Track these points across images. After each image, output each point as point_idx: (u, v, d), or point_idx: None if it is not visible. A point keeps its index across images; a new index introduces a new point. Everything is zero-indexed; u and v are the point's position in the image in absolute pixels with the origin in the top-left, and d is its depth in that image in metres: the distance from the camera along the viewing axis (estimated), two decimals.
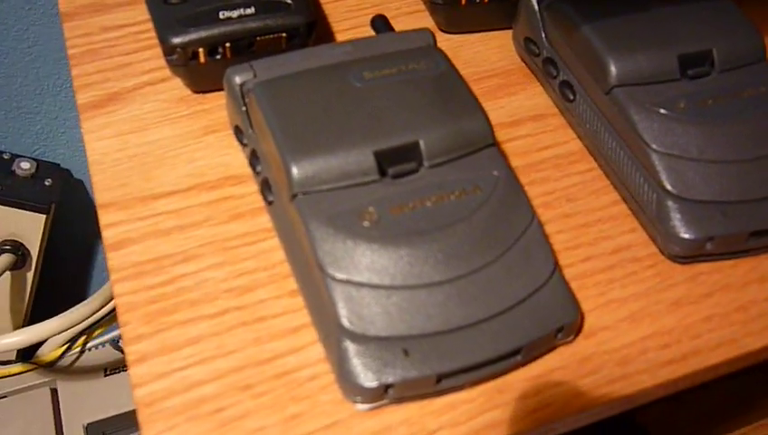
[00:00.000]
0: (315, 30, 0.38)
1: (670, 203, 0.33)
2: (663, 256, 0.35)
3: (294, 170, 0.30)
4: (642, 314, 0.33)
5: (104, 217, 0.34)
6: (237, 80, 0.34)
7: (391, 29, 0.41)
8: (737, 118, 0.35)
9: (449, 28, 0.43)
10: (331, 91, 0.33)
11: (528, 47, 0.41)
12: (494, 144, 0.33)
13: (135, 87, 0.39)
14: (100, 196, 0.35)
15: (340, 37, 0.43)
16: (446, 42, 0.43)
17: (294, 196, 0.31)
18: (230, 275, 0.33)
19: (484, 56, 0.42)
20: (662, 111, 0.35)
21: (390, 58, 0.34)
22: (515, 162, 0.37)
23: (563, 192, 0.37)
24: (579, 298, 0.33)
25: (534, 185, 0.37)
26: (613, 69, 0.36)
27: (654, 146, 0.34)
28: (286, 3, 0.38)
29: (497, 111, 0.40)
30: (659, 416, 0.62)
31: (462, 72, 0.39)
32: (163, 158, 0.37)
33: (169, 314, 0.32)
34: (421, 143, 0.32)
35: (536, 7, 0.39)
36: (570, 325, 0.30)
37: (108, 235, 0.34)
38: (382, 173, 0.31)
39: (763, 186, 0.34)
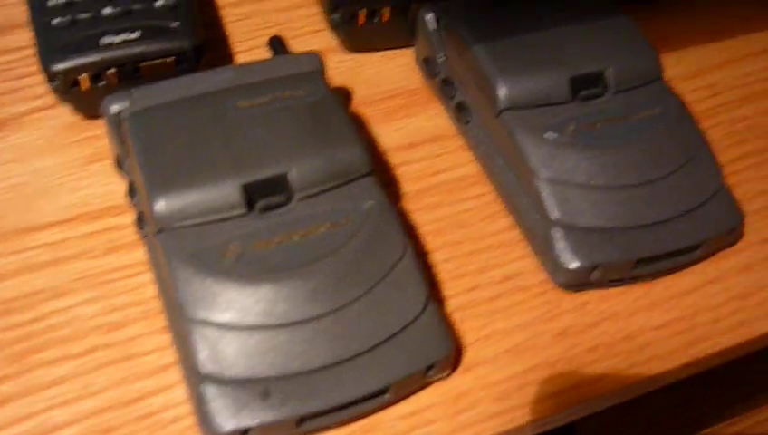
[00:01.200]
0: (204, 53, 0.37)
1: (555, 231, 0.33)
2: (552, 284, 0.33)
3: (156, 205, 0.29)
4: (525, 346, 0.32)
5: None
6: (113, 109, 0.33)
7: (285, 51, 0.39)
8: (627, 141, 0.34)
9: (352, 47, 0.42)
10: (204, 122, 0.32)
11: (427, 67, 0.40)
12: (371, 173, 0.32)
13: (25, 113, 0.38)
14: None
15: (239, 58, 0.42)
16: (348, 61, 0.42)
17: (159, 231, 0.30)
18: (102, 311, 0.32)
19: (386, 75, 0.41)
20: (550, 135, 0.34)
21: (269, 85, 0.33)
22: (408, 187, 0.36)
23: (455, 218, 0.36)
24: (460, 331, 0.32)
25: (426, 211, 0.36)
26: (502, 92, 0.35)
27: (540, 172, 0.33)
28: (173, 26, 0.36)
29: (394, 133, 0.39)
30: (601, 425, 0.61)
31: (362, 93, 0.38)
32: (46, 187, 0.36)
33: (36, 352, 0.31)
34: (290, 175, 0.31)
35: (432, 27, 0.38)
36: (442, 361, 0.30)
37: None
38: (250, 207, 0.30)
39: (650, 211, 0.33)
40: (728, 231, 0.34)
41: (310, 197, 0.31)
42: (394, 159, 0.38)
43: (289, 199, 0.31)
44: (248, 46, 0.42)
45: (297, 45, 0.42)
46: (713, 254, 0.35)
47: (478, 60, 0.35)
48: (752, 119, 0.41)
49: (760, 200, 0.38)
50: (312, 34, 0.43)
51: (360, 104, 0.40)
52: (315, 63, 0.35)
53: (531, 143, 0.34)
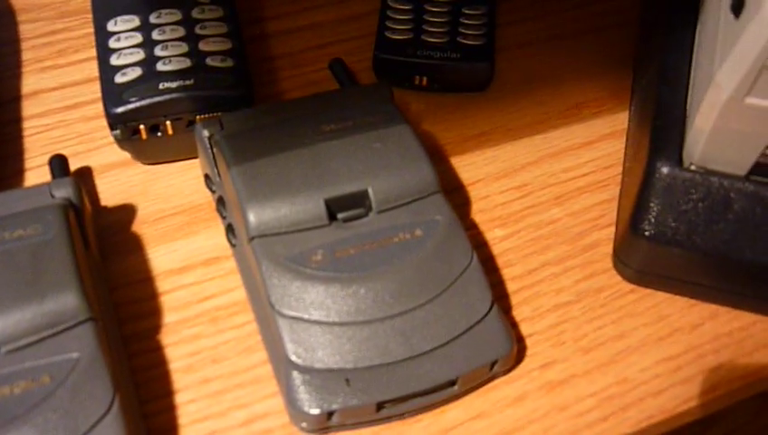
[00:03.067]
0: None
1: (292, 372, 0.31)
2: (295, 426, 0.31)
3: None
4: None
5: None
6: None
7: (66, 172, 0.38)
8: (379, 269, 0.32)
9: (144, 160, 0.40)
10: None
11: (207, 183, 0.38)
12: (92, 319, 0.30)
13: None
14: None
15: (31, 175, 0.40)
16: (142, 174, 0.40)
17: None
18: None
19: (178, 189, 0.40)
20: (293, 266, 0.32)
21: (3, 222, 0.32)
22: (169, 317, 0.35)
23: (211, 352, 0.34)
24: None
25: (182, 344, 0.34)
26: (251, 218, 0.33)
27: (278, 307, 0.31)
28: None
29: (171, 254, 0.37)
30: None
31: (149, 209, 0.37)
32: None
33: None
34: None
35: (206, 144, 0.36)
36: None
37: None
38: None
39: (397, 347, 0.31)
40: (491, 362, 0.32)
41: (19, 351, 0.29)
42: (163, 284, 0.36)
43: None
44: (42, 161, 0.41)
45: (95, 158, 0.41)
46: (480, 386, 0.33)
47: (234, 182, 0.34)
48: (559, 221, 0.39)
49: (549, 318, 0.35)
50: (111, 145, 0.41)
51: (143, 222, 0.38)
52: (65, 192, 0.34)
53: (274, 275, 0.32)
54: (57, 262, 0.31)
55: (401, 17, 0.45)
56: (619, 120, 0.43)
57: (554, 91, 0.45)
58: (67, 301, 0.30)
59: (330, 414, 0.30)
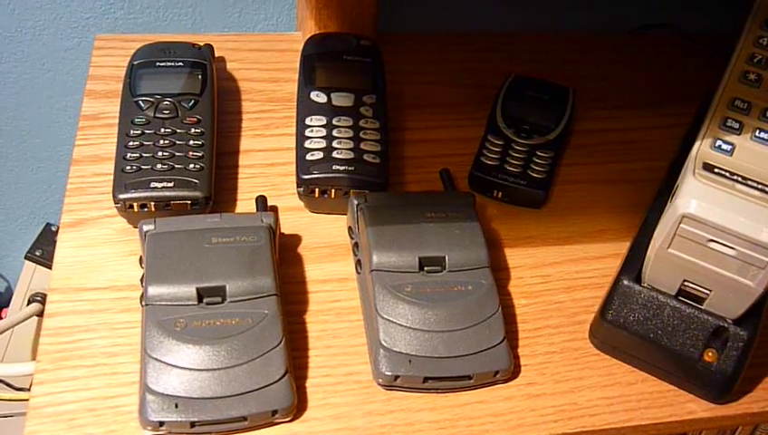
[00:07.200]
0: (213, 201, 0.65)
1: (380, 350, 0.58)
2: (375, 382, 0.58)
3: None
4: (343, 413, 0.56)
5: (49, 297, 0.61)
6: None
7: (265, 208, 0.67)
8: (440, 304, 0.59)
9: (311, 210, 0.69)
10: (191, 247, 0.59)
11: (349, 232, 0.66)
12: (277, 294, 0.58)
13: (98, 217, 0.67)
14: (52, 283, 0.62)
15: (240, 204, 0.69)
16: (307, 218, 0.69)
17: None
18: (109, 344, 0.59)
19: (329, 232, 0.68)
20: (393, 290, 0.59)
21: (234, 230, 0.61)
22: (311, 307, 0.62)
23: (333, 332, 0.61)
24: (308, 399, 0.57)
25: (317, 323, 0.61)
26: (374, 259, 0.60)
27: (380, 312, 0.58)
28: (194, 182, 0.65)
29: (317, 271, 0.65)
30: None
31: (308, 241, 0.65)
32: (98, 265, 0.64)
33: (66, 360, 0.58)
34: (227, 287, 0.57)
35: (354, 208, 0.65)
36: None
37: (48, 309, 0.61)
38: None
39: (440, 350, 0.57)
40: (495, 372, 0.58)
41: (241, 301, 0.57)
42: (311, 287, 0.64)
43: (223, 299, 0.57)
44: (249, 196, 0.70)
45: (280, 201, 0.69)
46: (488, 385, 0.59)
47: (368, 237, 0.62)
48: (563, 303, 0.65)
49: (540, 358, 0.61)
50: (291, 196, 0.70)
51: (303, 247, 0.66)
52: (269, 220, 0.62)
53: (381, 293, 0.59)
54: (263, 259, 0.59)
55: (494, 149, 0.72)
56: (624, 247, 0.69)
57: (586, 218, 0.71)
58: (267, 281, 0.58)
59: (396, 377, 0.57)
